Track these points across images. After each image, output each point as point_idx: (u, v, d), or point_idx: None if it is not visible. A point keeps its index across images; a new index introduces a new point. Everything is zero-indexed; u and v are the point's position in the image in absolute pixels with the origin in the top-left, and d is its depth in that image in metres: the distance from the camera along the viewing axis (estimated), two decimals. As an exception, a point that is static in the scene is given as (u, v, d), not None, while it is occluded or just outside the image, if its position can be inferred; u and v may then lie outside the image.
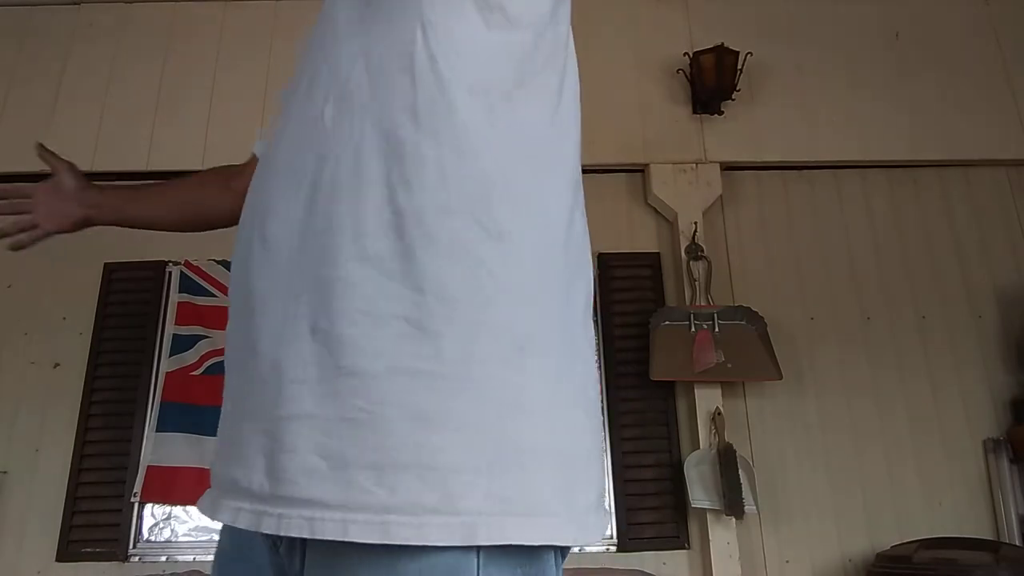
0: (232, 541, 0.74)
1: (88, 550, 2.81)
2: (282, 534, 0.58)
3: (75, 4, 3.47)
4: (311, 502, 0.58)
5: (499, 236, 0.63)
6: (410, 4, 0.68)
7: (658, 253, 3.24)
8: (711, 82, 3.23)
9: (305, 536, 0.58)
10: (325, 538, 0.57)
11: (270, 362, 0.64)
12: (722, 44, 3.20)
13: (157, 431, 2.91)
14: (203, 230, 1.19)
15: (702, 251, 3.12)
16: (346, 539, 0.56)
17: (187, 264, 3.14)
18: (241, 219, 0.80)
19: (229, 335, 0.75)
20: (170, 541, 2.91)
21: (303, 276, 0.65)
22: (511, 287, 0.62)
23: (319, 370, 0.61)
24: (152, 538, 2.91)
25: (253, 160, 1.10)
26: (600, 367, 3.06)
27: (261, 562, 0.68)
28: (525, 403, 0.60)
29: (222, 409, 0.73)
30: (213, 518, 0.66)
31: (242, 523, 0.61)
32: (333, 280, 0.62)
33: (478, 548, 0.57)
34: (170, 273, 3.14)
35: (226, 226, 1.12)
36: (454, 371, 0.59)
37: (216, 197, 1.15)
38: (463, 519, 0.56)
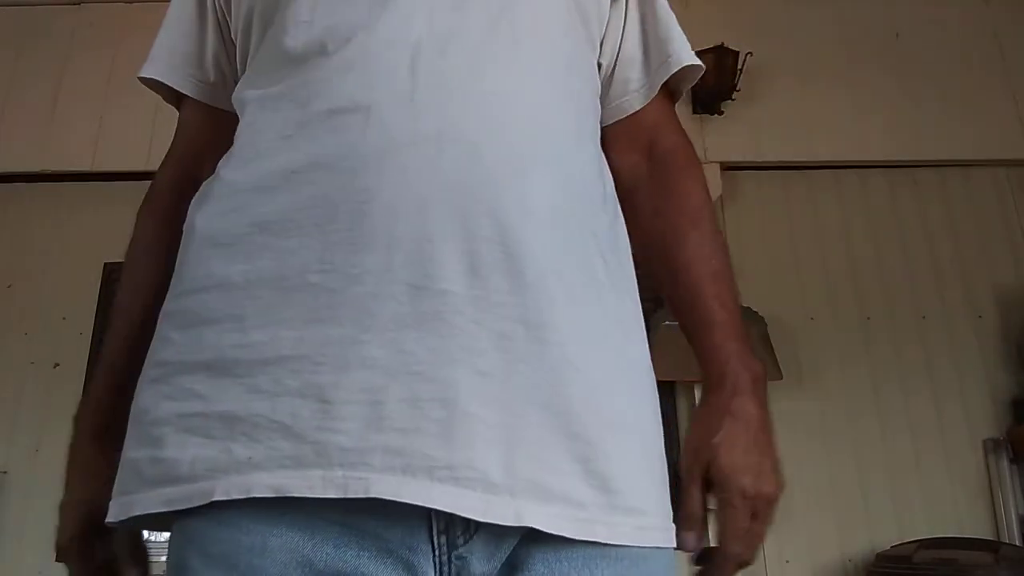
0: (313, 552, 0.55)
1: (88, 550, 2.81)
2: (614, 543, 0.58)
3: (75, 4, 3.47)
4: (636, 511, 0.60)
5: None
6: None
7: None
8: (711, 82, 3.22)
9: (634, 544, 0.59)
10: (650, 545, 0.60)
11: (576, 363, 0.59)
12: (722, 44, 3.20)
13: (157, 431, 2.90)
14: None
15: (702, 251, 3.11)
16: (666, 546, 0.62)
17: (187, 264, 3.13)
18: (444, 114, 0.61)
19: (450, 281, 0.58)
20: (170, 541, 2.91)
21: (589, 283, 0.64)
22: None
23: (635, 388, 0.64)
24: (152, 538, 2.90)
25: (201, 130, 0.82)
26: (600, 367, 3.06)
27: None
28: None
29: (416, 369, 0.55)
30: (505, 521, 0.54)
31: (566, 531, 0.56)
32: (631, 308, 0.69)
33: None
34: (170, 273, 3.14)
35: None
36: None
37: None
38: None
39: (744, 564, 0.65)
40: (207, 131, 0.81)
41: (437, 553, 0.56)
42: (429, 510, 0.54)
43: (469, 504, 0.54)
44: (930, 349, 3.13)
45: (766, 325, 2.99)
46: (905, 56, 3.45)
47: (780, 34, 3.45)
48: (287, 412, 0.54)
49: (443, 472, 0.53)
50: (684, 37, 0.88)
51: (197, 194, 0.69)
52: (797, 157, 3.35)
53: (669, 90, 0.87)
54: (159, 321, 0.64)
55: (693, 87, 3.29)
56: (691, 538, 0.66)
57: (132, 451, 0.60)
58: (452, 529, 0.56)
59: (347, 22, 0.65)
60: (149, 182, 0.85)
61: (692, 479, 0.67)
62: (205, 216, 0.64)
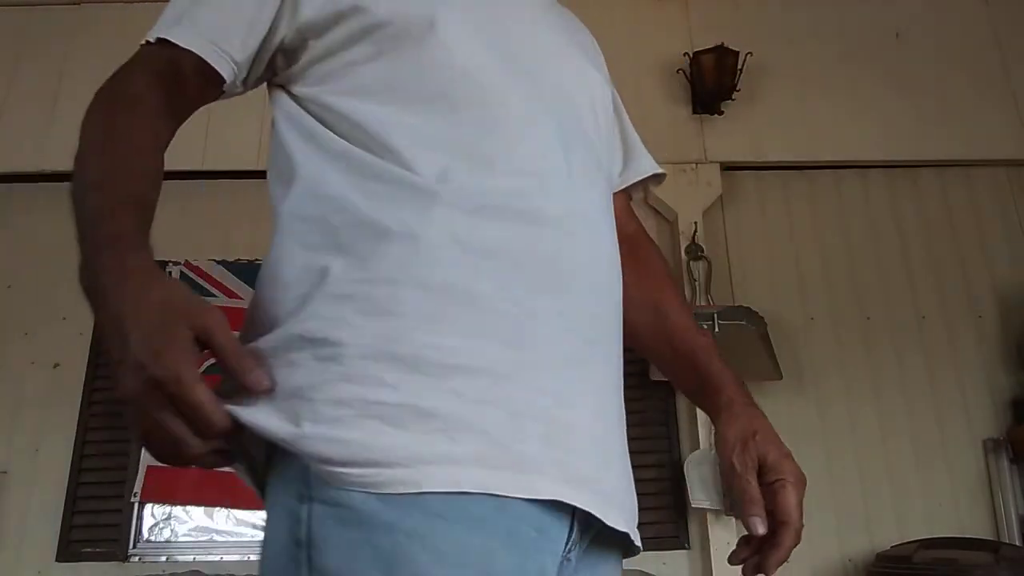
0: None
1: (88, 550, 2.81)
2: (636, 543, 0.75)
3: (75, 4, 3.47)
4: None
5: None
6: None
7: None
8: (711, 82, 3.23)
9: (636, 543, 0.75)
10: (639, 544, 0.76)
11: (617, 404, 0.77)
12: (722, 44, 3.20)
13: (157, 431, 2.90)
14: None
15: (702, 251, 3.12)
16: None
17: (187, 264, 3.14)
18: (571, 228, 0.74)
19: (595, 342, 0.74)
20: (170, 541, 2.91)
21: (616, 347, 0.78)
22: None
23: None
24: (152, 538, 2.91)
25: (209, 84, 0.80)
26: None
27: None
28: None
29: (589, 410, 0.70)
30: (617, 527, 0.69)
31: (624, 529, 0.71)
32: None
33: None
34: (170, 273, 3.14)
35: None
36: None
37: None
38: None
39: (798, 539, 0.78)
40: (197, 101, 0.83)
41: (570, 537, 0.68)
42: (573, 507, 0.66)
43: (604, 512, 0.67)
44: (930, 349, 3.13)
45: (766, 325, 2.98)
46: (905, 56, 3.45)
47: (780, 34, 3.45)
48: (488, 420, 0.62)
49: (594, 486, 0.67)
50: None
51: (405, 188, 0.69)
52: (797, 157, 3.35)
53: (628, 190, 1.04)
54: (323, 299, 0.65)
55: (693, 87, 3.30)
56: (760, 521, 0.77)
57: (293, 425, 0.61)
58: (577, 523, 0.68)
59: (506, 89, 0.76)
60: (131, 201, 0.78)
61: (748, 470, 0.79)
62: (423, 226, 0.67)
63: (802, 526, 0.77)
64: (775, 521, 0.77)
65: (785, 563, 0.79)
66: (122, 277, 0.63)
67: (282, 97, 0.82)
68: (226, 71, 0.78)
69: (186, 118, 0.83)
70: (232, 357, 0.61)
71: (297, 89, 0.80)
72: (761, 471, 0.79)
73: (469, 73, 0.75)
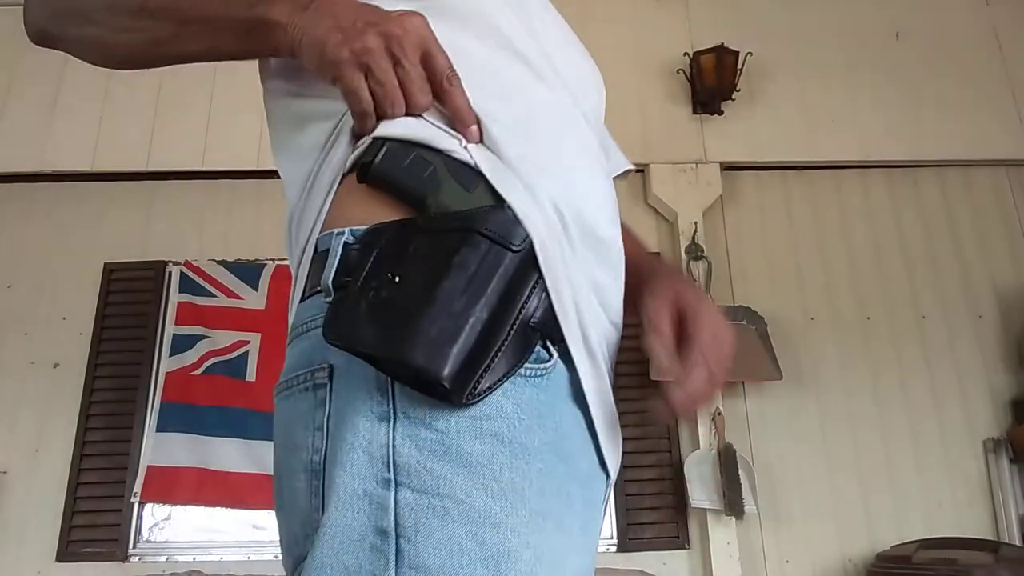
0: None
1: (88, 550, 2.81)
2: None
3: (75, 4, 3.47)
4: None
5: None
6: None
7: (658, 253, 3.24)
8: (711, 82, 3.23)
9: None
10: None
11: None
12: (722, 44, 3.20)
13: (157, 431, 2.91)
14: None
15: (702, 251, 3.12)
16: None
17: (187, 264, 3.14)
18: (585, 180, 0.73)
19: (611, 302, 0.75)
20: (170, 541, 2.92)
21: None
22: None
23: None
24: (152, 538, 2.91)
25: None
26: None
27: None
28: None
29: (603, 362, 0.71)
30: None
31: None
32: None
33: None
34: (170, 273, 3.14)
35: None
36: None
37: None
38: None
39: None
40: None
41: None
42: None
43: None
44: (930, 349, 3.14)
45: (766, 325, 2.99)
46: (905, 56, 3.45)
47: (780, 34, 3.45)
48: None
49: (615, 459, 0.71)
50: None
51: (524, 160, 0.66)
52: (797, 157, 3.35)
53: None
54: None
55: (693, 87, 3.32)
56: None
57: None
58: None
59: (543, 63, 0.74)
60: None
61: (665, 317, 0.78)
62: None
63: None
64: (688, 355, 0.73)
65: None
66: None
67: None
68: None
69: None
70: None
71: None
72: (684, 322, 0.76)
73: (509, 45, 0.72)
